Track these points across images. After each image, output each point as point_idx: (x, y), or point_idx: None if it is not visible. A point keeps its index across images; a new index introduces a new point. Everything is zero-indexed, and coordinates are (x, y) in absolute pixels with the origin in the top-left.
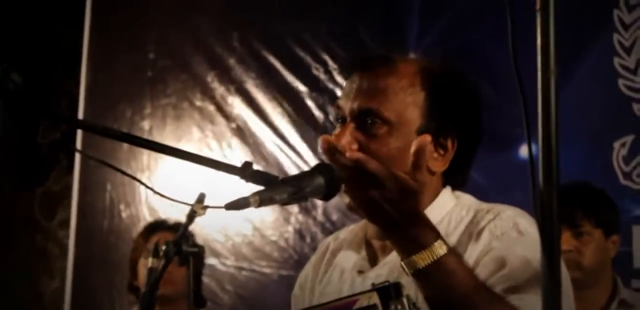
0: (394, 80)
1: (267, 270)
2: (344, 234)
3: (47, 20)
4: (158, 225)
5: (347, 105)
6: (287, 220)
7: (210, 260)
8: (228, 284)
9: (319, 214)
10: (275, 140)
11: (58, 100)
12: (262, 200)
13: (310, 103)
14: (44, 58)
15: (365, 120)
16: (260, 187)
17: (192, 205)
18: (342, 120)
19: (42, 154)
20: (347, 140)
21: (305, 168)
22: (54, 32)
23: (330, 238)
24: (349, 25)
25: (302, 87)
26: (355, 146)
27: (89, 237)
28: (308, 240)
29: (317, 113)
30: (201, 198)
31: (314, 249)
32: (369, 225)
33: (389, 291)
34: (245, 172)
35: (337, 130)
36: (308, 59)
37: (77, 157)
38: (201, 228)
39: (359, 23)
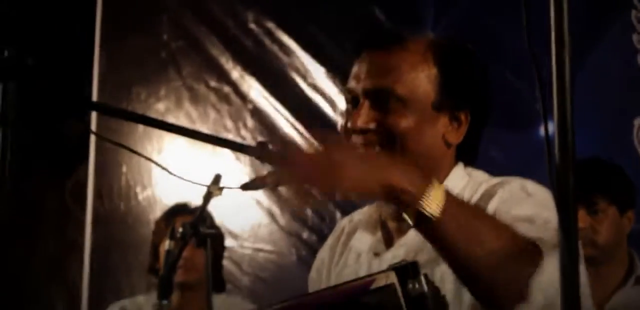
0: (406, 57)
1: (285, 252)
2: (358, 215)
3: (59, 4)
4: (179, 209)
5: (359, 86)
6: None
7: (228, 243)
8: (247, 266)
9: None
10: (292, 120)
11: (71, 84)
12: (277, 180)
13: (326, 82)
14: (55, 43)
15: (380, 99)
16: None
17: (208, 186)
18: (355, 100)
19: (70, 145)
20: (364, 119)
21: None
22: (65, 16)
23: (345, 220)
24: (365, 5)
25: (318, 67)
26: (373, 125)
27: (107, 219)
28: (327, 221)
29: (333, 92)
30: (217, 179)
31: (331, 229)
32: (383, 206)
33: (406, 270)
34: (261, 152)
35: (349, 108)
36: (323, 38)
37: (93, 140)
38: (218, 210)
39: (375, 3)
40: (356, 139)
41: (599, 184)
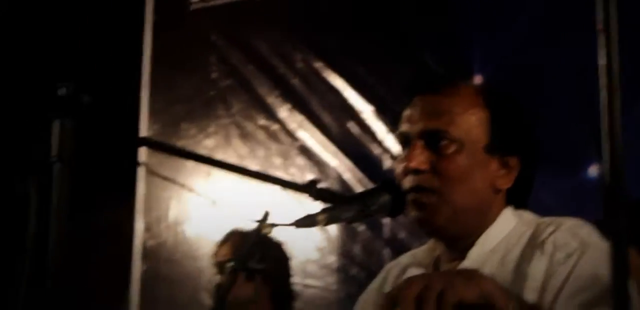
0: (457, 100)
1: (334, 288)
2: (405, 258)
3: (109, 42)
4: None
5: (412, 129)
6: (353, 238)
7: None
8: (295, 301)
9: (386, 232)
10: (340, 158)
11: (124, 121)
12: (329, 218)
13: (375, 122)
14: (108, 80)
15: (434, 141)
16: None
17: (260, 222)
18: (407, 142)
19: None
20: (418, 160)
21: (370, 186)
22: (115, 53)
23: (392, 263)
24: (412, 46)
25: (366, 107)
26: (426, 166)
27: (155, 254)
28: (375, 257)
29: (382, 132)
30: (266, 216)
31: (380, 267)
32: (437, 245)
33: None
34: (312, 189)
35: (403, 153)
36: (372, 79)
37: (142, 175)
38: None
39: (423, 45)
40: (409, 180)
41: None
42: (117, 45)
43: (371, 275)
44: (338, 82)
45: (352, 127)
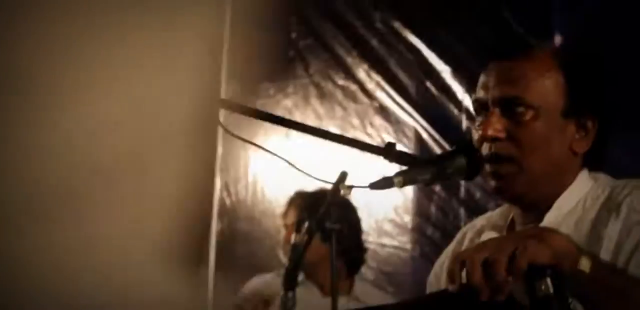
0: (533, 66)
1: (408, 247)
2: (481, 221)
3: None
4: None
5: (488, 95)
6: (429, 198)
7: None
8: (371, 260)
9: (462, 192)
10: (417, 118)
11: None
12: (405, 180)
13: (452, 82)
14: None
15: (511, 108)
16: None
17: (337, 183)
18: (483, 109)
19: None
20: (495, 128)
21: (447, 147)
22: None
23: (468, 226)
24: (493, 4)
25: (444, 67)
26: (503, 133)
27: (233, 212)
28: (450, 217)
29: (459, 91)
30: (343, 177)
31: (456, 227)
32: (512, 208)
33: (533, 271)
34: (389, 152)
35: (480, 119)
36: (449, 38)
37: (220, 134)
38: None
39: (503, 3)
40: (486, 148)
41: None
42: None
43: (446, 235)
44: (416, 42)
45: (430, 87)
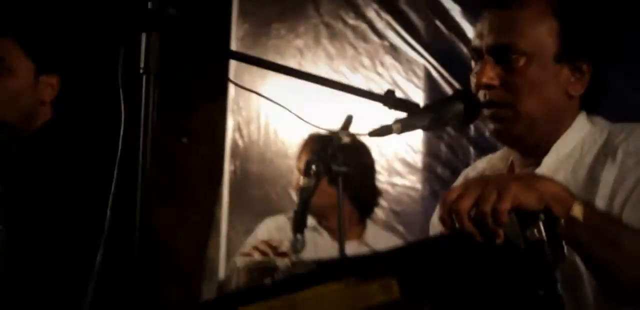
0: (526, 12)
1: (419, 186)
2: (482, 163)
3: None
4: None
5: (482, 43)
6: (439, 137)
7: None
8: (382, 199)
9: (472, 130)
10: (427, 57)
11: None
12: (403, 127)
13: (462, 21)
14: None
15: (504, 55)
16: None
17: (342, 127)
18: (479, 57)
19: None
20: (488, 76)
21: (457, 85)
22: None
23: (469, 168)
24: None
25: (454, 5)
26: (497, 81)
27: (246, 153)
28: (460, 156)
29: (469, 31)
30: (348, 120)
31: (466, 164)
32: (511, 152)
33: (526, 216)
34: (388, 100)
35: (476, 68)
36: None
37: (231, 75)
38: None
39: None
40: (482, 95)
41: None
42: None
43: (456, 173)
44: None
45: (440, 26)
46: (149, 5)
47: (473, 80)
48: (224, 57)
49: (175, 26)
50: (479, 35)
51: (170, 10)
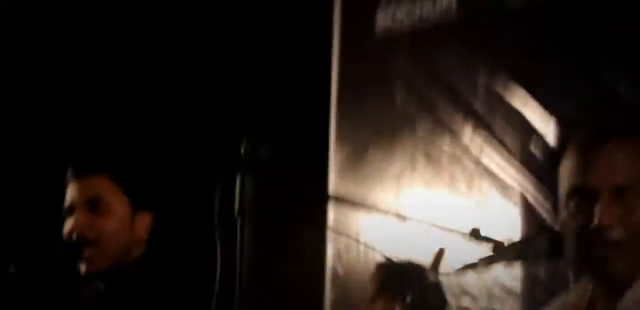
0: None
1: None
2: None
3: (295, 70)
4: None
5: (604, 180)
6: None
7: (465, 302)
8: None
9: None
10: (523, 183)
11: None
12: (489, 264)
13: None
14: (290, 122)
15: (623, 197)
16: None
17: (434, 262)
18: (587, 195)
19: None
20: (610, 216)
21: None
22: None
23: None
24: (589, 62)
25: (548, 129)
26: (617, 222)
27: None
28: (558, 280)
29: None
30: (439, 255)
31: (564, 288)
32: (596, 286)
33: None
34: (475, 237)
35: (576, 205)
36: (554, 97)
37: (331, 207)
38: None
39: (600, 59)
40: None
41: None
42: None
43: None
44: (519, 103)
45: (535, 150)
46: (242, 148)
47: (570, 218)
48: (321, 202)
49: (269, 170)
50: (595, 170)
51: (263, 152)
